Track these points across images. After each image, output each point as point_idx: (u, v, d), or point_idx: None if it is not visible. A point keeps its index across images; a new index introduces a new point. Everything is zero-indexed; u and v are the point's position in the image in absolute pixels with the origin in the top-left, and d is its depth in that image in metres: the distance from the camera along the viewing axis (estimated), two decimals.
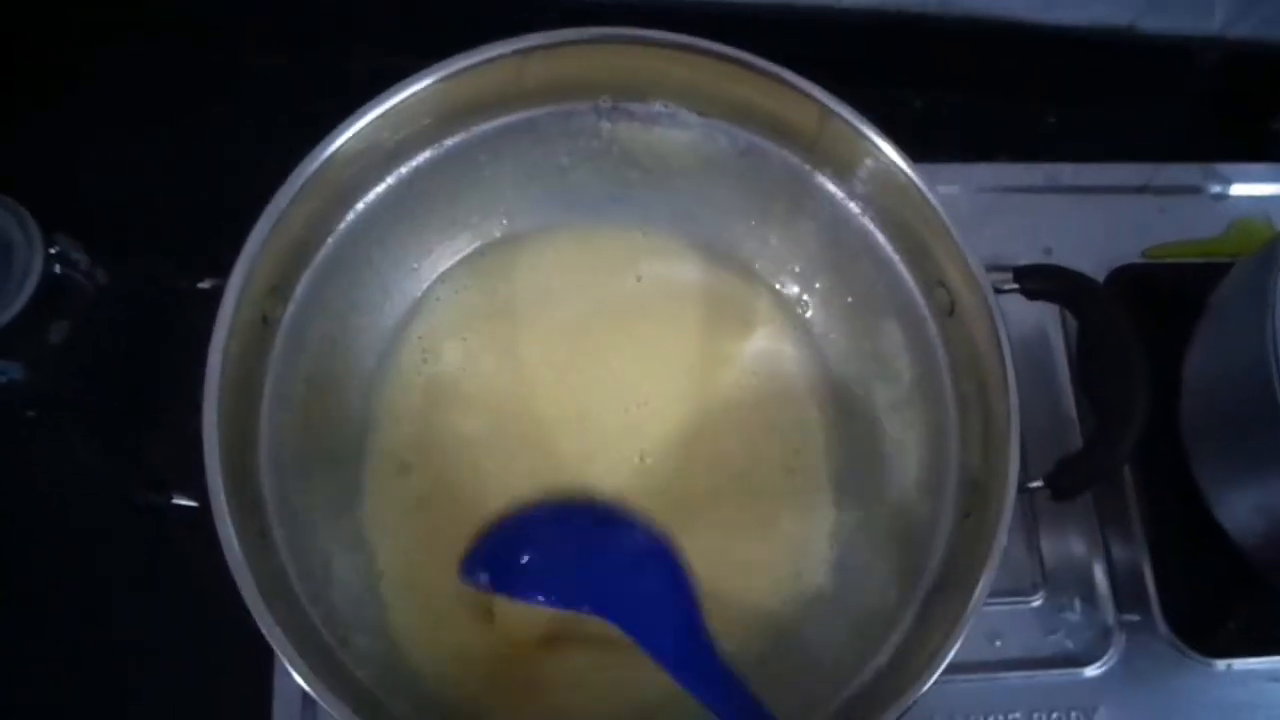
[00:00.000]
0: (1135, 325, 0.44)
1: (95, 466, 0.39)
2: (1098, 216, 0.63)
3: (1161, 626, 0.54)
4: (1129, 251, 0.62)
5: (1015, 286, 0.46)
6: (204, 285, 0.42)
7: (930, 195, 0.45)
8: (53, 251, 0.52)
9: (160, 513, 0.40)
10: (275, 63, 0.66)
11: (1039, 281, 0.46)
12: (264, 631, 0.37)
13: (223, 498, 0.38)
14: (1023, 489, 0.42)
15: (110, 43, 0.65)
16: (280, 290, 0.45)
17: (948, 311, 0.48)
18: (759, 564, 0.50)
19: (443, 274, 0.53)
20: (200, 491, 0.38)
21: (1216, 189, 0.65)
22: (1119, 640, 0.54)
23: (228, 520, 0.38)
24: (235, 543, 0.38)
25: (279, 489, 0.44)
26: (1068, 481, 0.44)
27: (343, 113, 0.44)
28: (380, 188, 0.49)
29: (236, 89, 0.66)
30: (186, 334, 0.43)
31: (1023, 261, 0.47)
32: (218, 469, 0.38)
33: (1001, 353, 0.43)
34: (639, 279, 0.54)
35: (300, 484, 0.46)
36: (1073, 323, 0.60)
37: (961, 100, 0.69)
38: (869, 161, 0.47)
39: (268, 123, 0.62)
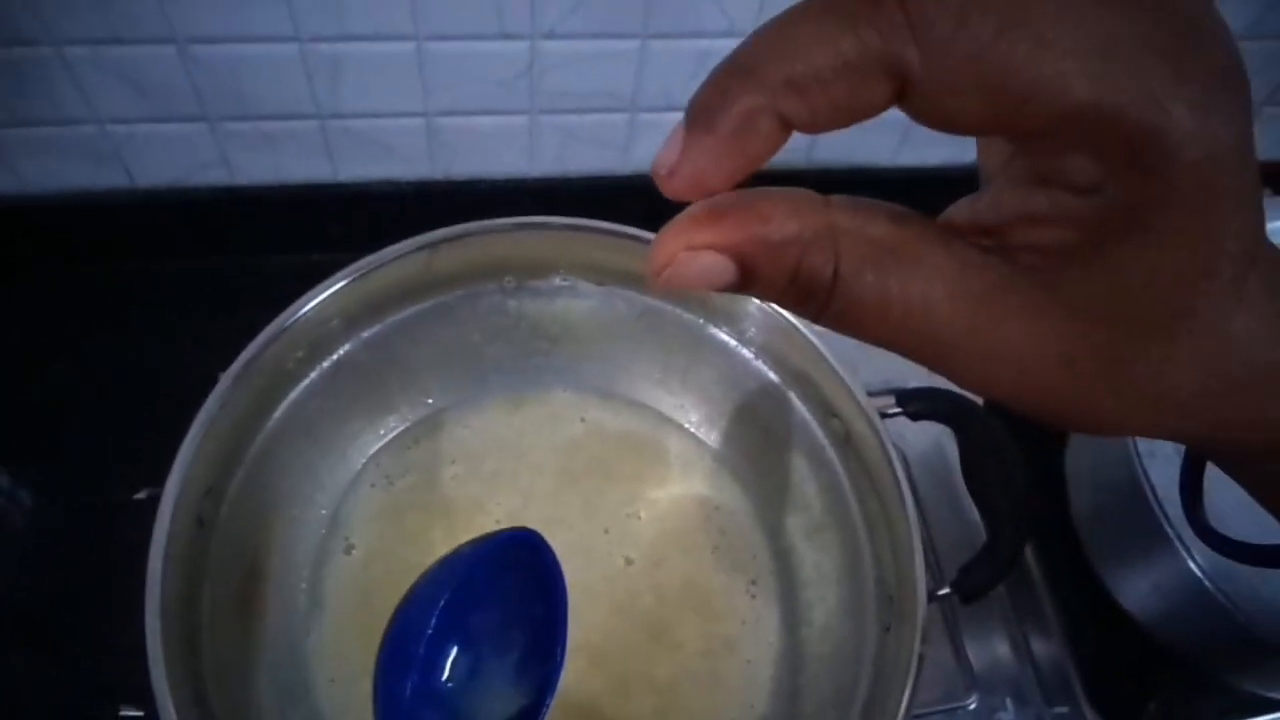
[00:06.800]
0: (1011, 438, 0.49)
1: (43, 683, 0.40)
2: None
3: (1090, 715, 0.57)
4: None
5: (899, 410, 0.50)
6: (140, 496, 0.43)
7: (812, 336, 0.50)
8: None
9: None
10: (196, 265, 0.69)
11: (920, 403, 0.50)
12: None
13: (171, 707, 0.39)
14: (933, 597, 0.45)
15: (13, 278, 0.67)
16: (214, 491, 0.47)
17: (844, 440, 0.52)
18: (718, 693, 0.51)
19: (373, 456, 0.56)
20: (148, 701, 0.39)
21: None
22: None
23: None
24: None
25: (227, 692, 0.44)
26: (971, 585, 0.47)
27: (262, 310, 0.47)
28: (304, 383, 0.52)
29: (155, 298, 0.68)
30: (124, 545, 0.44)
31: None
32: (164, 678, 0.39)
33: (895, 473, 0.47)
34: (583, 420, 0.58)
35: (249, 685, 0.47)
36: None
37: None
38: (754, 311, 0.52)
39: (189, 329, 0.64)
